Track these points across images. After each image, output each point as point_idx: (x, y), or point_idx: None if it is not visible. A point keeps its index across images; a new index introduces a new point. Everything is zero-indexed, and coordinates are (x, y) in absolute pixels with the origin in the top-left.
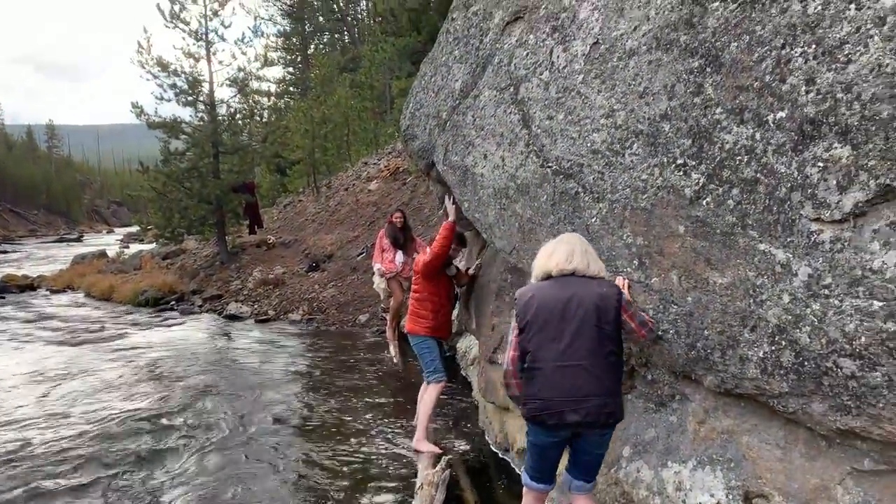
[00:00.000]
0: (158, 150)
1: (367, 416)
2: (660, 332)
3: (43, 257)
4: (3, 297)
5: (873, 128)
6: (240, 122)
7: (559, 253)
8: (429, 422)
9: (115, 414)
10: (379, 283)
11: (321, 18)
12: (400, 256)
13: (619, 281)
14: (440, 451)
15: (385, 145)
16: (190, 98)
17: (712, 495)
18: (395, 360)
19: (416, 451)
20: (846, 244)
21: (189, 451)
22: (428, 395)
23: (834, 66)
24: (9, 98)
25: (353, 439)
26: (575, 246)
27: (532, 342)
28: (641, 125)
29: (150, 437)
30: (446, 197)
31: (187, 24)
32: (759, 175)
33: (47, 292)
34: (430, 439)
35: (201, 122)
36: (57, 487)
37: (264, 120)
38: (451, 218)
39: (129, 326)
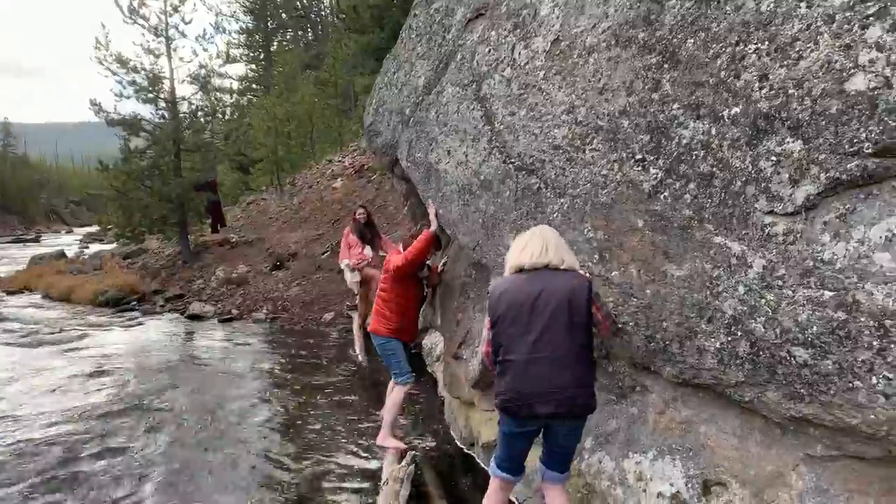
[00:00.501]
0: (118, 149)
1: (331, 413)
2: (619, 325)
3: None
4: None
5: (823, 122)
6: (202, 119)
7: (532, 246)
8: (394, 420)
9: (74, 412)
10: (352, 278)
11: (284, 15)
12: (368, 251)
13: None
14: (405, 447)
15: (349, 143)
16: (150, 95)
17: (672, 484)
18: (359, 358)
19: (381, 448)
20: (798, 236)
21: (151, 446)
22: (395, 395)
23: (786, 63)
24: None
25: (318, 435)
26: (549, 240)
27: (504, 336)
28: (601, 121)
29: (111, 433)
30: (429, 203)
31: (147, 19)
32: (714, 169)
33: (2, 294)
34: (395, 436)
35: (162, 120)
36: (13, 485)
37: (227, 117)
38: (432, 228)
39: (88, 327)
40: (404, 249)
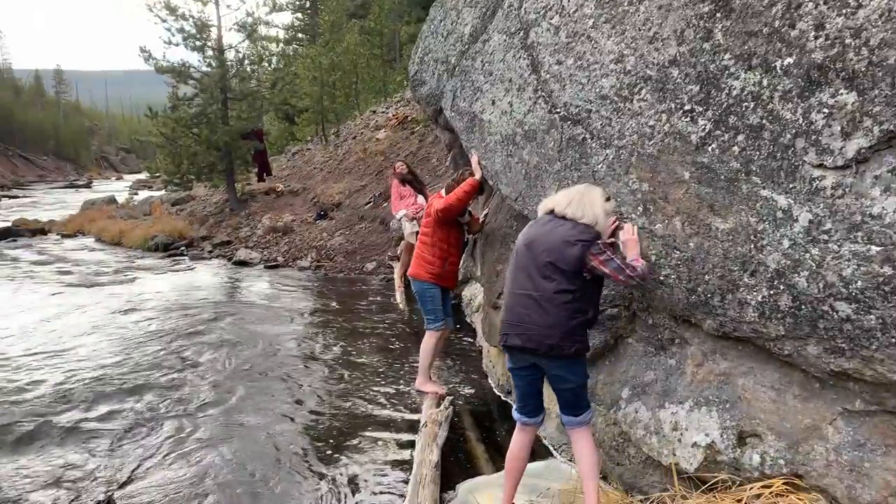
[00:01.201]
0: (167, 97)
1: (372, 357)
2: (657, 278)
3: (52, 202)
4: (16, 241)
5: (880, 73)
6: (248, 68)
7: (558, 196)
8: (430, 367)
9: (129, 352)
10: (411, 228)
11: None
12: (421, 199)
13: (627, 227)
14: (444, 391)
15: (394, 94)
16: (198, 43)
17: (707, 434)
18: (401, 307)
19: (421, 392)
20: (847, 190)
21: (201, 384)
22: (427, 342)
23: (844, 12)
24: (15, 42)
25: (359, 377)
26: (575, 194)
27: (507, 274)
28: (650, 71)
29: (165, 371)
30: (472, 152)
31: None
32: (764, 121)
33: (58, 237)
34: (432, 386)
35: (209, 68)
36: (67, 423)
37: (273, 66)
38: (477, 176)
39: (139, 270)
40: (447, 195)
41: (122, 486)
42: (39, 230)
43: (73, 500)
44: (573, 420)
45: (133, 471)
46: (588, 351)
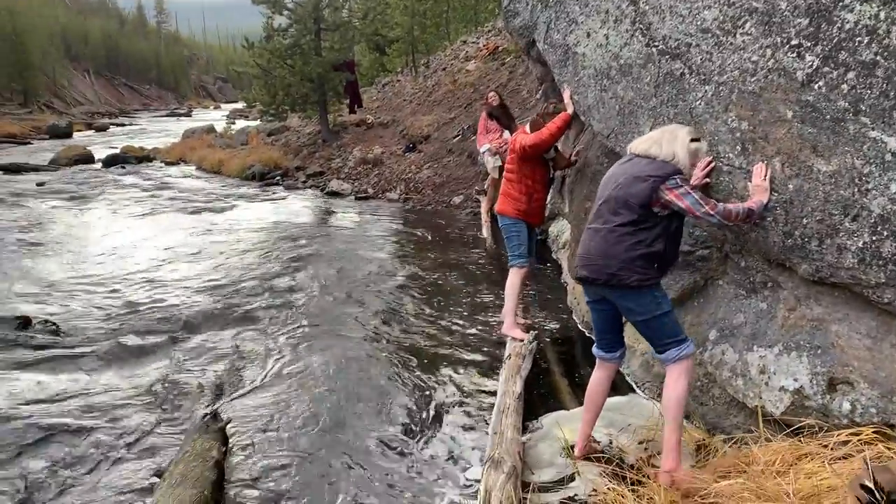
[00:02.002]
0: (261, 27)
1: (459, 288)
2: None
3: (156, 130)
4: (124, 168)
5: None
6: None
7: (653, 137)
8: (515, 309)
9: (228, 276)
10: (494, 163)
11: None
12: (507, 135)
13: (758, 168)
14: (530, 337)
15: (485, 23)
16: None
17: (796, 379)
18: (487, 241)
19: (506, 335)
20: None
21: (297, 306)
22: (512, 280)
23: None
24: None
25: (445, 307)
26: (663, 131)
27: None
28: (756, 3)
29: (263, 293)
30: (564, 87)
31: None
32: (879, 58)
33: (162, 164)
34: (519, 325)
35: None
36: (165, 343)
37: None
38: (569, 111)
39: (239, 198)
40: (532, 130)
41: (227, 400)
42: (145, 157)
43: (178, 412)
44: (660, 357)
45: (237, 387)
46: (653, 283)
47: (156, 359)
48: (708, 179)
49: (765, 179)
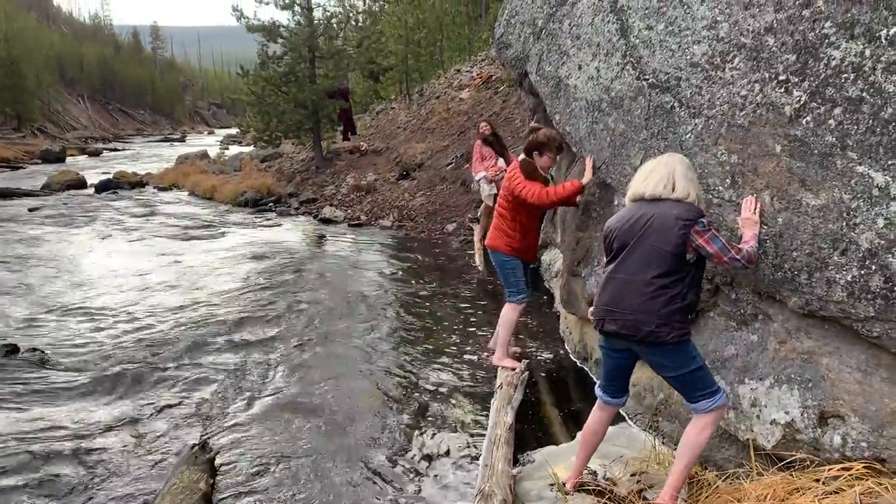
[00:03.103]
0: (256, 54)
1: (450, 318)
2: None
3: (150, 156)
4: (116, 193)
5: None
6: (335, 26)
7: (655, 176)
8: (508, 338)
9: (218, 303)
10: (489, 191)
11: None
12: (501, 162)
13: (748, 202)
14: (521, 367)
15: (478, 52)
16: (287, 1)
17: (787, 412)
18: (480, 268)
19: (498, 366)
20: None
21: (285, 336)
22: (508, 315)
23: None
24: (115, 0)
25: (436, 337)
26: (674, 169)
27: (605, 256)
28: (745, 38)
29: (253, 322)
30: (588, 159)
31: None
32: (864, 94)
33: (155, 190)
34: (511, 356)
35: (298, 26)
36: (153, 372)
37: (359, 24)
38: (585, 180)
39: (231, 225)
40: (524, 174)
41: (216, 430)
42: (137, 183)
43: (166, 442)
44: (690, 406)
45: (225, 416)
46: (688, 336)
47: (144, 388)
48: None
49: (754, 212)
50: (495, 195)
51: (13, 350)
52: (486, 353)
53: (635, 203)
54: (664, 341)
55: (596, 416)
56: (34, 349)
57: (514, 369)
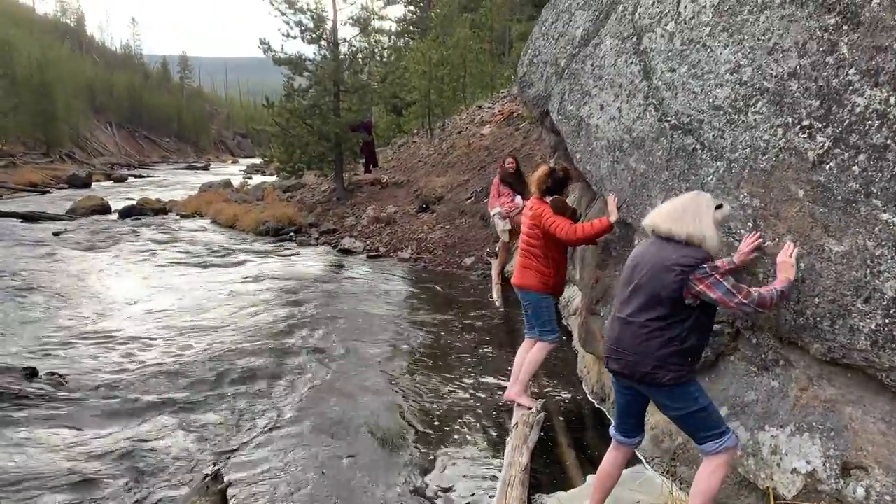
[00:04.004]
0: (282, 86)
1: (468, 353)
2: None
3: (174, 183)
4: (139, 219)
5: None
6: (360, 61)
7: (674, 213)
8: (531, 377)
9: (234, 332)
10: (503, 226)
11: None
12: (519, 200)
13: (787, 247)
14: (538, 406)
15: (501, 89)
16: (314, 35)
17: (808, 462)
18: (497, 303)
19: (514, 403)
20: None
21: (301, 365)
22: (537, 355)
23: None
24: (146, 29)
25: (453, 373)
26: (684, 207)
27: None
28: (768, 83)
29: (268, 351)
30: (610, 197)
31: None
32: (889, 142)
33: (177, 217)
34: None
35: (324, 60)
36: (169, 398)
37: (384, 60)
38: (612, 218)
39: (251, 253)
40: (554, 210)
41: (229, 460)
42: (161, 210)
43: (179, 471)
44: (699, 448)
45: (239, 445)
46: (689, 378)
47: (159, 415)
48: (755, 254)
49: (791, 256)
50: (509, 231)
51: (32, 374)
52: (504, 390)
53: (648, 238)
54: (661, 383)
55: (610, 457)
56: (53, 373)
57: (529, 408)
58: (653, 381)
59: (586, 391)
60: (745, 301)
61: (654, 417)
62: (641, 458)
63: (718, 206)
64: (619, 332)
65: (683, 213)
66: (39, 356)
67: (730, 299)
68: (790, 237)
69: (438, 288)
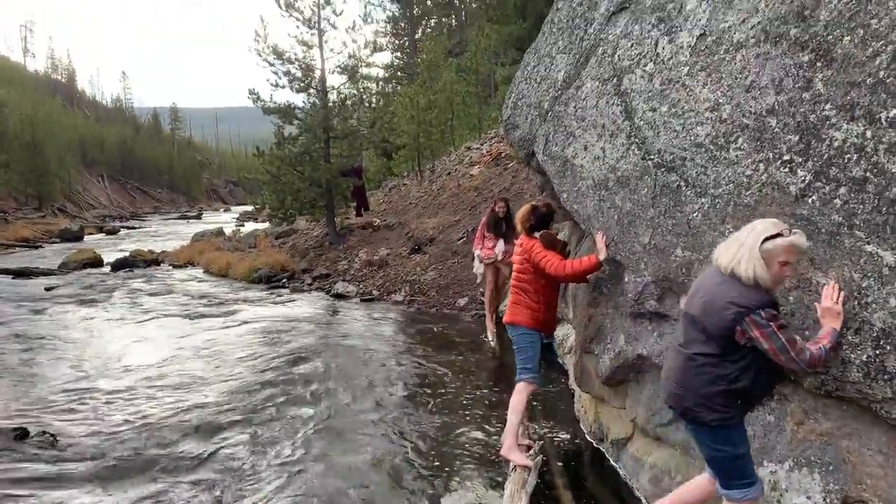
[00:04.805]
0: (273, 134)
1: (462, 395)
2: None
3: (166, 233)
4: (132, 271)
5: None
6: (349, 107)
7: (733, 245)
8: (520, 424)
9: (232, 384)
10: (478, 268)
11: (429, 2)
12: (501, 245)
13: (829, 289)
14: (531, 464)
15: (488, 130)
16: (303, 84)
17: (809, 497)
18: (492, 345)
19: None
20: None
21: (297, 415)
22: (519, 397)
23: None
24: (137, 82)
25: (448, 415)
26: (740, 241)
27: None
28: (747, 119)
29: (262, 404)
30: (598, 235)
31: (301, 12)
32: (868, 174)
33: (170, 267)
34: (522, 446)
35: (313, 108)
36: (163, 456)
37: (372, 105)
38: (601, 256)
39: (243, 302)
40: (545, 244)
41: None
42: (153, 261)
43: None
44: (720, 490)
45: (236, 501)
46: (735, 421)
47: (154, 474)
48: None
49: (837, 302)
50: (481, 273)
51: (23, 434)
52: (496, 436)
53: (708, 272)
54: (702, 421)
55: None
56: (44, 432)
57: (525, 467)
58: (694, 418)
59: (584, 430)
60: (796, 359)
61: (653, 455)
62: (642, 498)
63: (776, 235)
64: (671, 361)
65: (739, 248)
66: (30, 415)
67: (782, 353)
68: (832, 278)
69: (432, 330)
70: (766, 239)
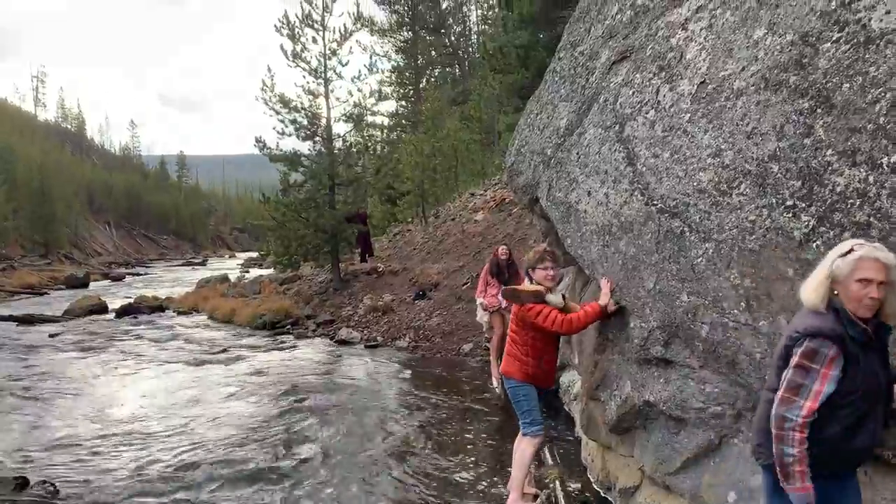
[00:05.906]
0: (278, 181)
1: (468, 441)
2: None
3: (171, 280)
4: (136, 318)
5: None
6: (355, 154)
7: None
8: (525, 478)
9: (235, 432)
10: (482, 316)
11: (433, 52)
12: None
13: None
14: (543, 501)
15: (492, 176)
16: (309, 132)
17: None
18: (498, 391)
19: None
20: None
21: (300, 462)
22: (523, 450)
23: None
24: (144, 131)
25: (454, 460)
26: (820, 269)
27: None
28: (749, 165)
29: (266, 450)
30: (604, 282)
31: (308, 62)
32: (872, 219)
33: (174, 314)
34: (527, 496)
35: (318, 155)
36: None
37: (377, 153)
38: (602, 302)
39: (247, 349)
40: (510, 299)
41: None
42: (158, 307)
43: None
44: None
45: None
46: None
47: None
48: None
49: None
50: (487, 321)
51: (24, 484)
52: (502, 484)
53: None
54: (762, 461)
55: None
56: (45, 481)
57: None
58: (756, 458)
59: (591, 479)
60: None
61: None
62: None
63: (847, 252)
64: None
65: (816, 275)
66: (31, 464)
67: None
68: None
69: (437, 376)
70: (840, 257)
